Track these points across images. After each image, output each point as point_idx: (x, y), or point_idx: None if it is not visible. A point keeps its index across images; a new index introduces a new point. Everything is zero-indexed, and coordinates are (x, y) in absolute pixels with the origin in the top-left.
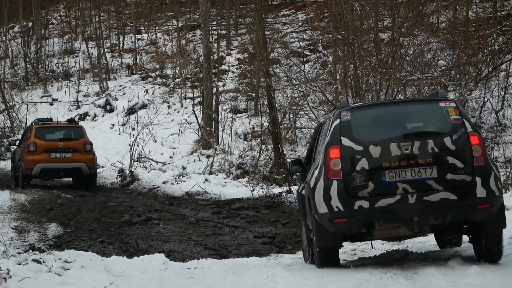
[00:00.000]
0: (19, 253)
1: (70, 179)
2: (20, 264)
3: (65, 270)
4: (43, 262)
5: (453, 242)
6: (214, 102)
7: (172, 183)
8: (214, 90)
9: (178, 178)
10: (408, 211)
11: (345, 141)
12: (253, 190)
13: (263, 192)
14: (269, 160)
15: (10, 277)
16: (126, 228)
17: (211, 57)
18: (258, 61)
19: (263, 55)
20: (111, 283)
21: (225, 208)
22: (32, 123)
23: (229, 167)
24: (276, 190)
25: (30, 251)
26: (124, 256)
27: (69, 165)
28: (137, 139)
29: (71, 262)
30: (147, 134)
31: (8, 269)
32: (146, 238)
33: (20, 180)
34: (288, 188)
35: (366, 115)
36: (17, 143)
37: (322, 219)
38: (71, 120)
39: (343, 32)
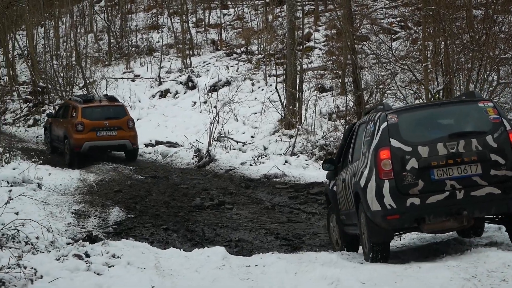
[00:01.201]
0: (68, 243)
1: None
2: (58, 259)
3: (109, 267)
4: (86, 257)
5: (477, 231)
6: (298, 80)
7: (251, 164)
8: (299, 67)
9: (257, 159)
10: (457, 206)
11: (394, 143)
12: None
13: None
14: None
15: (41, 277)
16: (196, 213)
17: (296, 32)
18: (344, 38)
19: (349, 31)
20: (152, 287)
21: (303, 193)
22: (70, 99)
23: (312, 148)
24: None
25: (80, 241)
26: (182, 250)
27: (115, 142)
28: (217, 117)
29: (118, 257)
30: (228, 112)
31: (35, 269)
32: (215, 225)
33: (68, 157)
34: None
35: (411, 117)
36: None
37: (375, 216)
38: (111, 98)
39: (433, 8)
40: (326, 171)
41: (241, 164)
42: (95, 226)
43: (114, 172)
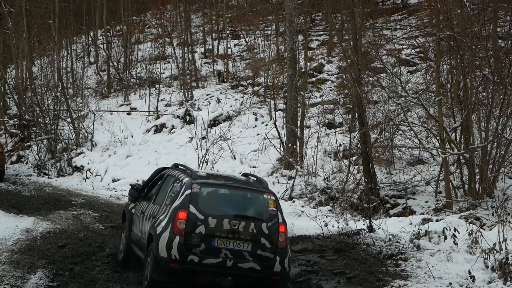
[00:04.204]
0: None
1: None
2: None
3: None
4: None
5: None
6: (299, 115)
7: None
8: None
9: None
10: (225, 270)
11: (192, 208)
12: (326, 225)
13: (338, 227)
14: (358, 185)
15: None
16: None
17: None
18: (349, 68)
19: (353, 60)
20: None
21: None
22: None
23: (311, 192)
24: (356, 225)
25: None
26: None
27: None
28: (207, 155)
29: None
30: (220, 150)
31: None
32: None
33: None
34: (369, 225)
35: (211, 192)
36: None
37: (161, 261)
38: None
39: (449, 33)
40: (130, 195)
41: None
42: None
43: (73, 221)
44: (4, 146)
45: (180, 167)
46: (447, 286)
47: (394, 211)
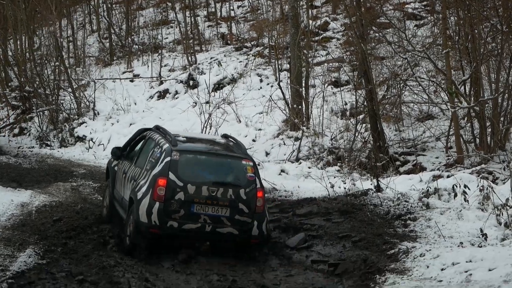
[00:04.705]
0: None
1: None
2: None
3: None
4: None
5: None
6: (304, 75)
7: None
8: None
9: None
10: (204, 235)
11: (171, 176)
12: (333, 187)
13: (345, 188)
14: (366, 143)
15: None
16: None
17: (299, 19)
18: (353, 24)
19: (356, 15)
20: None
21: (287, 214)
22: None
23: (319, 152)
24: (364, 185)
25: None
26: None
27: None
28: (210, 120)
29: None
30: (223, 113)
31: None
32: (150, 271)
33: None
34: (376, 184)
35: (190, 159)
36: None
37: (141, 225)
38: None
39: None
40: (113, 154)
41: None
42: None
43: (71, 193)
44: None
45: (160, 130)
46: (458, 245)
47: (404, 169)
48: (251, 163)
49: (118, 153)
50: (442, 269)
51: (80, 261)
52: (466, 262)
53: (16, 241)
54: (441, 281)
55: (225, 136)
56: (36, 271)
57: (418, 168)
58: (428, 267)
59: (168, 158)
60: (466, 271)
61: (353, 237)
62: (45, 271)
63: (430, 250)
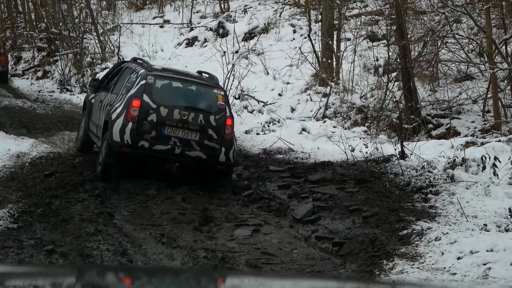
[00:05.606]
0: None
1: None
2: None
3: None
4: None
5: None
6: (337, 27)
7: (258, 133)
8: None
9: (267, 126)
10: (173, 157)
11: (146, 97)
12: (353, 150)
13: (366, 153)
14: (397, 103)
15: None
16: (117, 219)
17: None
18: None
19: None
20: None
21: (300, 179)
22: None
23: (347, 111)
24: (388, 150)
25: None
26: None
27: None
28: (233, 71)
29: None
30: (248, 64)
31: None
32: (132, 243)
33: None
34: (400, 150)
35: (164, 84)
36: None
37: (114, 145)
38: None
39: None
40: (91, 86)
41: (245, 132)
42: None
43: (74, 143)
44: (6, 45)
45: (137, 60)
46: (481, 228)
47: (436, 133)
48: (222, 92)
49: (96, 85)
50: (458, 258)
51: (57, 226)
52: (487, 251)
53: None
54: (455, 273)
55: (199, 72)
56: (2, 237)
57: (451, 133)
58: (443, 254)
59: (143, 81)
60: (484, 264)
61: (364, 212)
62: (13, 237)
63: (447, 233)
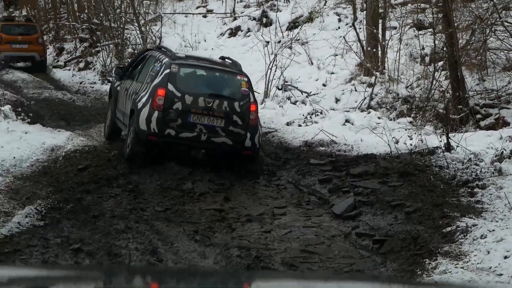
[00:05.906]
0: None
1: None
2: None
3: None
4: None
5: None
6: (382, 15)
7: (299, 125)
8: None
9: (310, 117)
10: (199, 144)
11: (170, 87)
12: (397, 142)
13: (411, 145)
14: (444, 93)
15: None
16: (148, 215)
17: None
18: None
19: None
20: None
21: (341, 173)
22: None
23: (393, 101)
24: (433, 142)
25: None
26: None
27: (25, 54)
28: (275, 61)
29: None
30: (291, 54)
31: None
32: (163, 240)
33: None
34: (446, 142)
35: (188, 72)
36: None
37: (141, 133)
38: (27, 19)
39: None
40: (116, 74)
41: (287, 124)
42: None
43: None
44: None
45: (162, 48)
46: None
47: (485, 123)
48: (245, 79)
49: (121, 73)
50: (505, 257)
51: (86, 223)
52: None
53: (24, 194)
54: (501, 274)
55: (222, 58)
56: (28, 236)
57: (500, 123)
58: (488, 252)
59: (167, 70)
60: None
61: (407, 207)
62: (39, 235)
63: (493, 230)
